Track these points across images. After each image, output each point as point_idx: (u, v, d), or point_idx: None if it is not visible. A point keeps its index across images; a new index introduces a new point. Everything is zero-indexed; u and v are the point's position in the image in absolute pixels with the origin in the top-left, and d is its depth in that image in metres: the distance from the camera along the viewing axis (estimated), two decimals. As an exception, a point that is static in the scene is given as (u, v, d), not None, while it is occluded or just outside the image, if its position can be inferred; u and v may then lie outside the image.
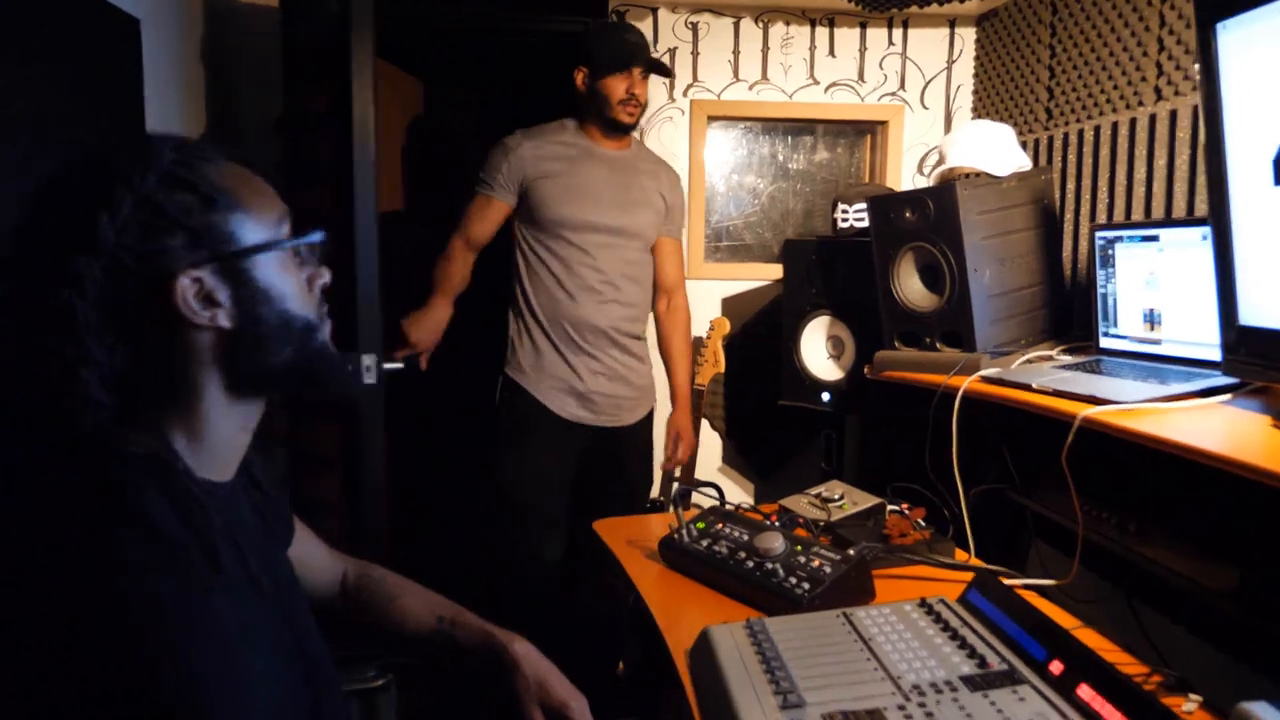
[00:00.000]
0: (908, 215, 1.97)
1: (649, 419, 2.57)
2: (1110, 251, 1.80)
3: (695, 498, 2.85)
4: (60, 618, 0.69)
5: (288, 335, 0.89)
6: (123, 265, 0.78)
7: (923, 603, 1.36)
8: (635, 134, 2.49)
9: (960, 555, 1.78)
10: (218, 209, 0.84)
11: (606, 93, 2.32)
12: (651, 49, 2.43)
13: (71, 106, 1.77)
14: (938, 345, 1.96)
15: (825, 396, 2.37)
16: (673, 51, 2.79)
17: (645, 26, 2.78)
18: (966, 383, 1.77)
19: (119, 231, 0.78)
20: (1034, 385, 1.63)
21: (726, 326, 2.72)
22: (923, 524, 1.81)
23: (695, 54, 2.80)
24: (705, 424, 2.90)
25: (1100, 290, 1.83)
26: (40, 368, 0.78)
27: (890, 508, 1.94)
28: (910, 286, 2.02)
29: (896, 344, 2.05)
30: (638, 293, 2.48)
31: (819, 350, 2.41)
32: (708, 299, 2.88)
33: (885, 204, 2.02)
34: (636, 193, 2.44)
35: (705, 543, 1.69)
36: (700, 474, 2.82)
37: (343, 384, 1.01)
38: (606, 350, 2.44)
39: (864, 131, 2.96)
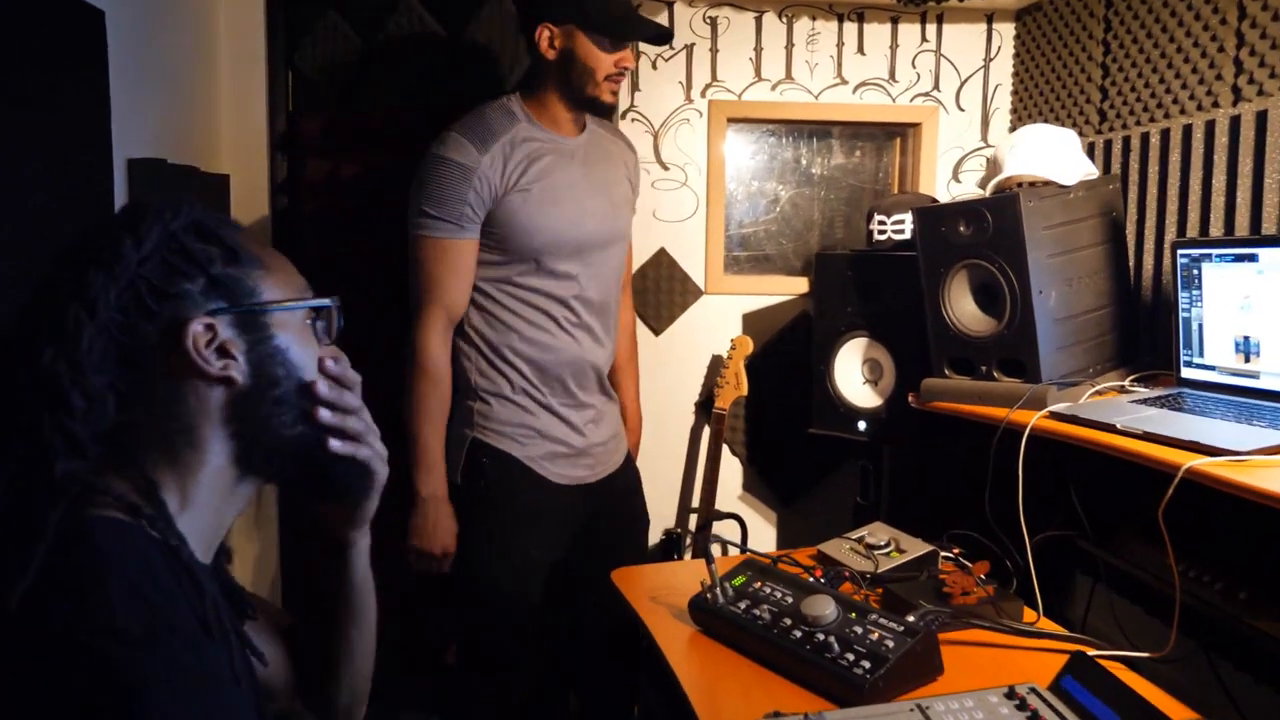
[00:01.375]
0: (961, 229, 1.77)
1: (628, 450, 2.15)
2: (1195, 271, 1.60)
3: (716, 528, 2.66)
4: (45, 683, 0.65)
5: (302, 406, 0.84)
6: (139, 296, 0.76)
7: (1011, 693, 1.16)
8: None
9: (1028, 614, 1.59)
10: (241, 263, 0.82)
11: (591, 64, 1.76)
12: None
13: (29, 104, 1.58)
14: (995, 374, 1.76)
15: (861, 425, 2.17)
16: (690, 48, 2.59)
17: (659, 21, 2.58)
18: (1034, 419, 1.57)
19: (141, 261, 0.77)
20: (1118, 426, 1.43)
21: (749, 346, 2.52)
22: (985, 578, 1.61)
23: (714, 51, 2.60)
24: (726, 450, 2.70)
25: (1183, 314, 1.63)
26: (28, 385, 0.73)
27: (944, 555, 1.74)
28: (963, 308, 1.82)
29: (947, 371, 1.85)
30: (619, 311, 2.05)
31: (854, 375, 2.21)
32: (728, 315, 2.68)
33: (935, 216, 1.82)
34: (615, 185, 1.95)
35: (743, 605, 1.48)
36: (721, 503, 2.62)
37: (357, 487, 0.88)
38: (597, 392, 1.97)
39: (894, 134, 2.76)
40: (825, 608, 1.38)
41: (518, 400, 1.87)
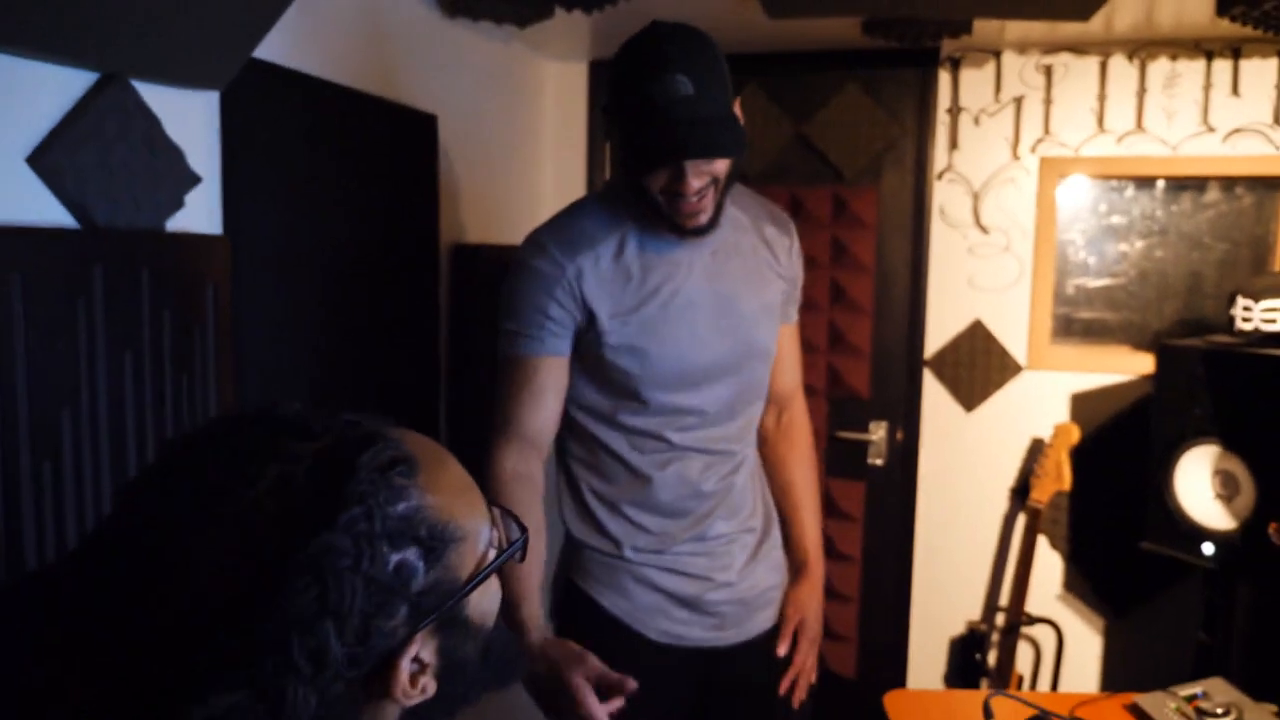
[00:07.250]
0: (1349, 339, 1.43)
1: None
2: None
3: (1028, 630, 2.39)
4: None
5: (484, 662, 0.69)
6: (337, 675, 0.56)
7: None
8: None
9: None
10: (439, 553, 0.62)
11: (645, 185, 1.31)
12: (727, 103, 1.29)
13: (376, 198, 1.82)
14: (1392, 523, 1.40)
15: (1207, 549, 1.83)
16: (1019, 101, 2.35)
17: (987, 74, 2.37)
18: None
19: (342, 637, 0.56)
20: None
21: (1075, 435, 2.24)
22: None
23: (1048, 102, 2.33)
24: (1044, 541, 2.42)
25: None
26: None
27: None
28: (1349, 435, 1.46)
29: (1322, 508, 1.50)
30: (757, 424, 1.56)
31: (1202, 487, 1.87)
32: (1052, 393, 2.40)
33: (1312, 320, 1.49)
34: (751, 293, 1.45)
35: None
36: (1036, 600, 2.35)
37: (515, 673, 0.78)
38: (727, 518, 1.48)
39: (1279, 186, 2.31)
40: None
41: (607, 543, 1.48)
